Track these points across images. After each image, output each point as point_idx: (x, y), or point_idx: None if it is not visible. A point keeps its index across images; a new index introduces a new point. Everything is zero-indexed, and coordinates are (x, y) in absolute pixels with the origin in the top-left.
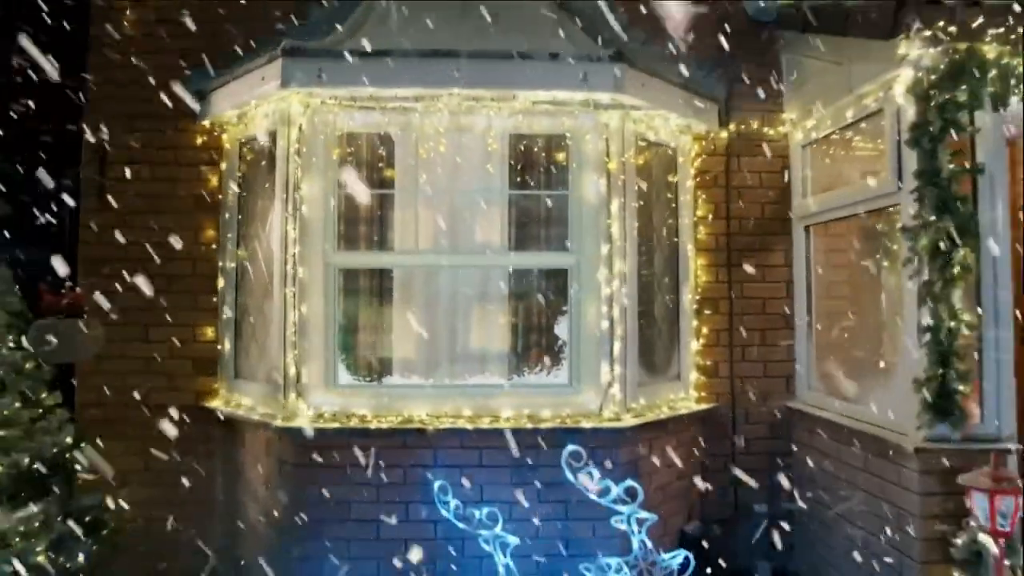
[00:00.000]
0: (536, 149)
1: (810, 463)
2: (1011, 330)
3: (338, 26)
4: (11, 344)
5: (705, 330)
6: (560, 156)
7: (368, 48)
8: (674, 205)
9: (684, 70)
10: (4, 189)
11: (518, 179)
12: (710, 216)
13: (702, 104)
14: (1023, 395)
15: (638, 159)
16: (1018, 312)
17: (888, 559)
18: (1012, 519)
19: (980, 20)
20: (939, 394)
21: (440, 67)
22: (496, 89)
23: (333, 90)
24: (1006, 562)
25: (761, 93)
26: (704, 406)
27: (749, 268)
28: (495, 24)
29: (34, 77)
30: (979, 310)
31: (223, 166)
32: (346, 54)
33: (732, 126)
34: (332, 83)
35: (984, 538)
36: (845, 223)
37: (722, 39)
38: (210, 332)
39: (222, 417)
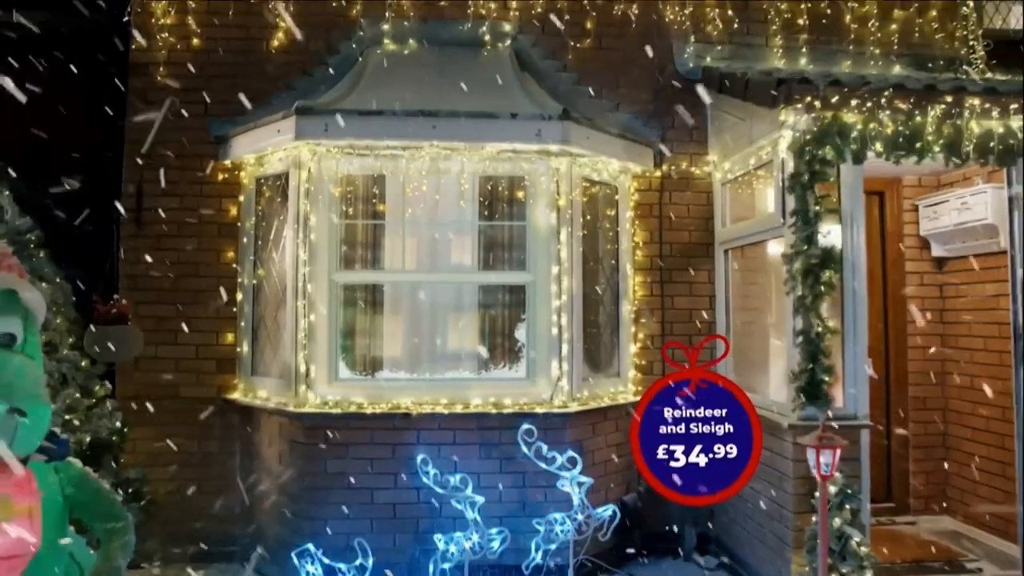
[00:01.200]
0: (500, 188)
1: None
2: (866, 334)
3: (338, 84)
4: (70, 346)
5: (641, 335)
6: (520, 194)
7: (364, 108)
8: (615, 232)
9: (624, 120)
10: (63, 215)
11: (485, 212)
12: (646, 241)
13: (639, 149)
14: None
15: (583, 196)
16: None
17: (774, 513)
18: (832, 466)
19: (838, 97)
20: (809, 383)
21: (421, 124)
22: (467, 142)
23: (336, 141)
24: (849, 505)
25: (690, 139)
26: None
27: (678, 284)
28: (467, 83)
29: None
30: (841, 319)
31: (241, 199)
32: (347, 114)
33: (665, 166)
34: (335, 136)
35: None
36: (753, 248)
37: (659, 93)
38: (230, 337)
39: (241, 406)
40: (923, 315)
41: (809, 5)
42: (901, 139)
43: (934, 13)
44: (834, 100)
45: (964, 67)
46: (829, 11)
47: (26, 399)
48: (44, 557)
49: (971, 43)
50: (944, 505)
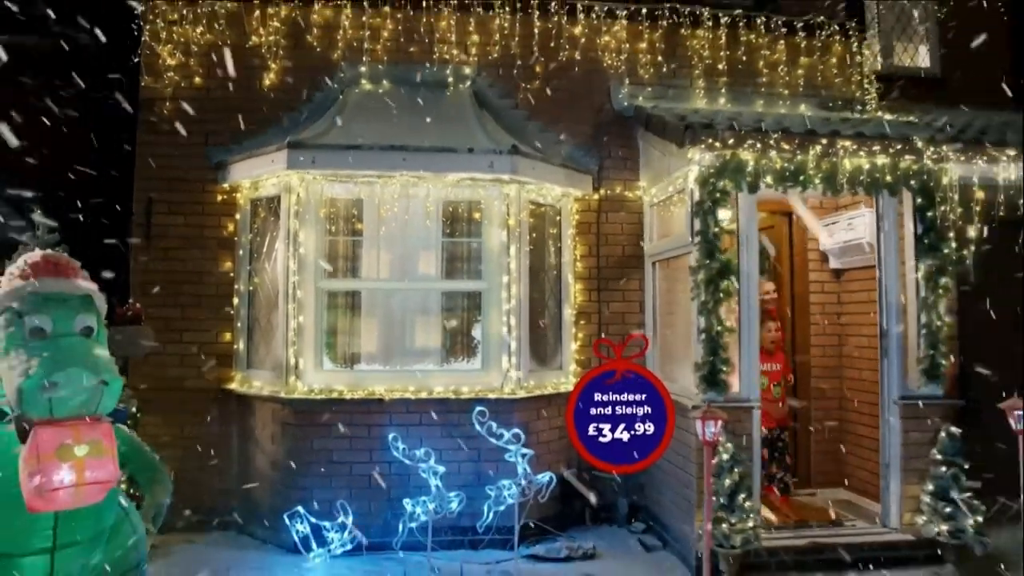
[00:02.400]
0: (460, 210)
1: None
2: (757, 334)
3: (322, 118)
4: None
5: (581, 335)
6: (476, 215)
7: (345, 143)
8: (558, 247)
9: (567, 151)
10: (82, 228)
11: (447, 231)
12: (585, 254)
13: (579, 176)
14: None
15: (531, 217)
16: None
17: (684, 480)
18: (715, 434)
19: (734, 138)
20: (710, 373)
21: (393, 157)
22: (431, 171)
23: (322, 170)
24: (738, 469)
25: (624, 167)
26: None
27: (613, 291)
28: (433, 119)
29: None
30: (738, 321)
31: (238, 217)
32: (331, 148)
33: (603, 190)
34: (321, 166)
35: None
36: (673, 261)
37: (598, 127)
38: (228, 336)
39: (238, 395)
40: (824, 318)
41: (727, 52)
42: (787, 173)
43: (834, 60)
44: (731, 141)
45: (859, 106)
46: (745, 58)
47: (106, 373)
48: (110, 492)
49: (865, 86)
50: (846, 481)
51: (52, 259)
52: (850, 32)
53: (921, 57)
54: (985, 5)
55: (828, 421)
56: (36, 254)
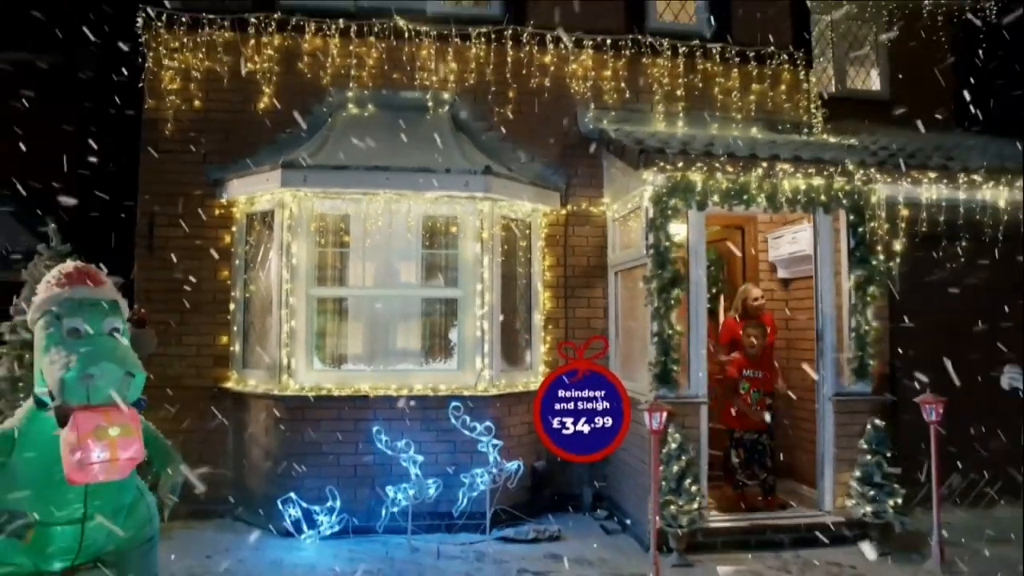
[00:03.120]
0: (438, 225)
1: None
2: (705, 337)
3: (312, 139)
4: None
5: (549, 338)
6: (453, 229)
7: (333, 164)
8: (528, 258)
9: (537, 170)
10: (91, 238)
11: (427, 243)
12: (553, 264)
13: (548, 193)
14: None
15: (503, 231)
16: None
17: (639, 468)
18: (661, 424)
19: (684, 161)
20: (662, 371)
21: (377, 176)
22: (412, 190)
23: (312, 188)
24: (684, 457)
25: (589, 184)
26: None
27: (579, 298)
28: (414, 140)
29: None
30: (687, 325)
31: (234, 229)
32: (321, 168)
33: (570, 206)
34: (312, 184)
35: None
36: (632, 271)
37: (566, 148)
38: (225, 339)
39: (234, 393)
40: (774, 324)
41: (685, 79)
42: (732, 193)
43: (783, 87)
44: (681, 164)
45: (806, 128)
46: (701, 84)
47: (132, 367)
48: (129, 475)
49: (812, 110)
50: (800, 472)
51: (83, 270)
52: (798, 61)
53: (872, 81)
54: (930, 33)
55: (782, 417)
56: (69, 265)
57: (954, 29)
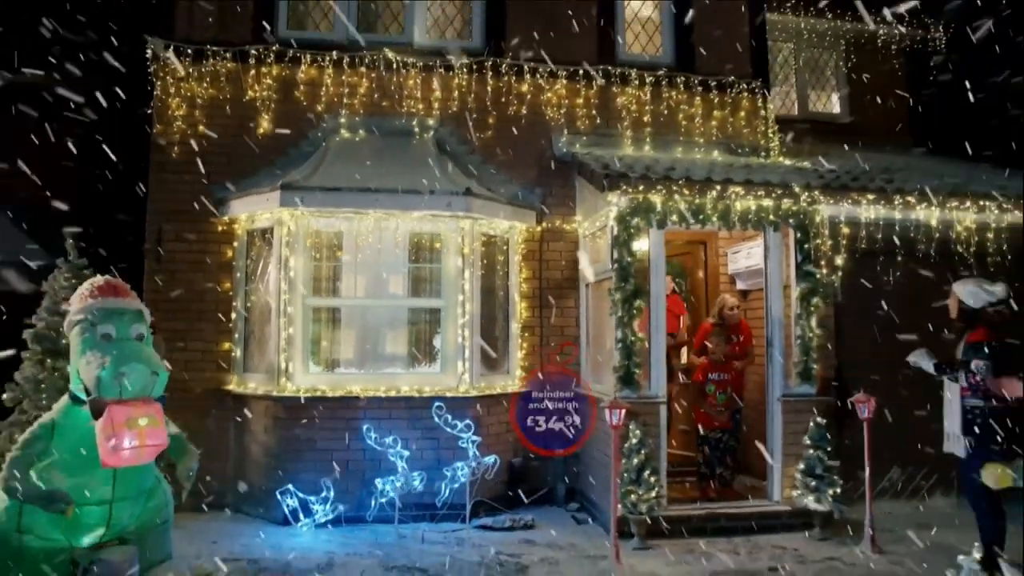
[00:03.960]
0: (423, 241)
1: (584, 421)
2: (664, 343)
3: (307, 162)
4: None
5: (525, 345)
6: (437, 245)
7: (328, 185)
8: (506, 271)
9: (515, 190)
10: (104, 253)
11: (413, 257)
12: (529, 277)
13: (525, 212)
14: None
15: (483, 246)
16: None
17: (604, 462)
18: (620, 421)
19: (644, 184)
20: (625, 374)
21: (367, 197)
22: (399, 209)
23: (309, 208)
24: (644, 450)
25: (563, 204)
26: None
27: (553, 309)
28: (401, 163)
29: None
30: (648, 332)
31: (235, 244)
32: (316, 189)
33: (545, 223)
34: (308, 204)
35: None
36: (601, 283)
37: (541, 170)
38: (227, 345)
39: (236, 394)
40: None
41: (652, 107)
42: (690, 213)
43: (743, 114)
44: (642, 187)
45: (763, 152)
46: (666, 111)
47: (157, 367)
48: (149, 464)
49: (769, 134)
50: (756, 468)
51: (112, 283)
52: (756, 90)
53: (833, 104)
54: (886, 61)
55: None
56: (99, 279)
57: (908, 58)
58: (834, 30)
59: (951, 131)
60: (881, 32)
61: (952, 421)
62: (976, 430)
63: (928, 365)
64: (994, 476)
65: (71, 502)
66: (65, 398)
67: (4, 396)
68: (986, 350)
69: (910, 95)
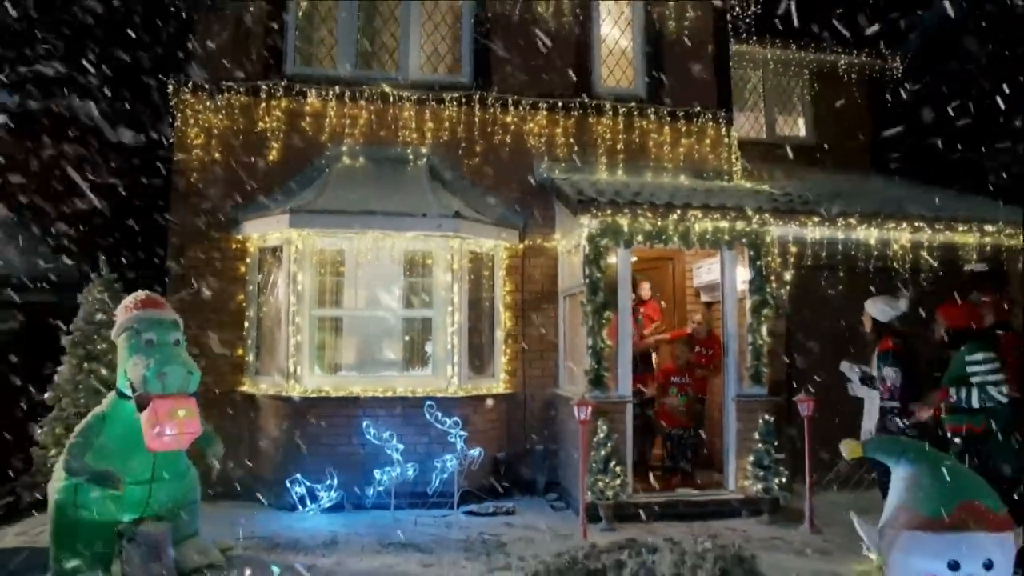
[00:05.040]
0: (417, 258)
1: (561, 420)
2: (630, 349)
3: (312, 186)
4: None
5: (509, 352)
6: (429, 261)
7: (331, 209)
8: (492, 284)
9: (500, 211)
10: (132, 276)
11: (407, 272)
12: (512, 290)
13: (508, 231)
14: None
15: (470, 262)
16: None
17: (576, 458)
18: (586, 416)
19: (611, 208)
20: (595, 377)
21: (366, 219)
22: (395, 230)
23: (315, 228)
24: (610, 443)
25: (543, 224)
26: (508, 391)
27: (534, 318)
28: (397, 188)
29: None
30: (616, 340)
31: (248, 261)
32: (321, 212)
33: (527, 241)
34: (314, 225)
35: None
36: (576, 296)
37: (523, 193)
38: (240, 351)
39: (249, 395)
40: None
41: (625, 135)
42: (653, 234)
43: (708, 141)
44: (610, 211)
45: (726, 176)
46: (638, 139)
47: (192, 367)
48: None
49: (732, 160)
50: (717, 462)
51: (152, 297)
52: (720, 119)
53: (800, 128)
54: (848, 88)
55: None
56: (141, 293)
57: (868, 85)
58: (798, 60)
59: (907, 154)
60: (842, 61)
61: (869, 420)
62: (889, 428)
63: (854, 376)
64: (847, 448)
65: (120, 479)
66: (112, 394)
67: (46, 395)
68: (891, 357)
69: (870, 120)
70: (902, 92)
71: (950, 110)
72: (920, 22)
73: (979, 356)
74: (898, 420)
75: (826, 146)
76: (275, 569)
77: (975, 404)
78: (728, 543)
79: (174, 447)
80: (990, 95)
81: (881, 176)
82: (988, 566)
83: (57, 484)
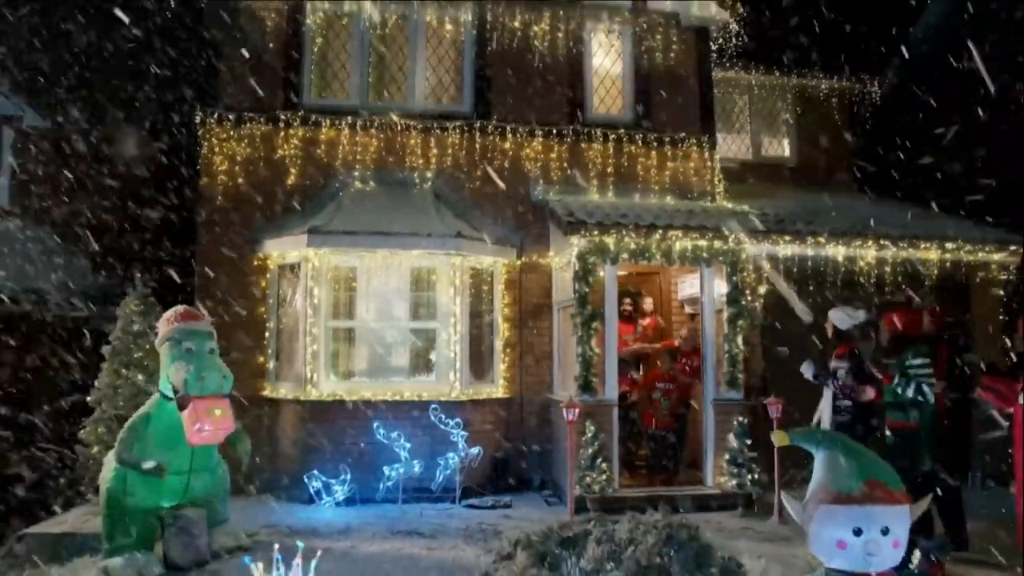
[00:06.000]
0: (422, 274)
1: (554, 422)
2: (616, 357)
3: (326, 208)
4: None
5: (507, 360)
6: (433, 277)
7: (345, 230)
8: (491, 297)
9: (498, 231)
10: (164, 291)
11: (414, 287)
12: (510, 303)
13: (507, 249)
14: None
15: (471, 278)
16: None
17: (567, 456)
18: (574, 417)
19: (598, 230)
20: (584, 382)
21: (376, 239)
22: (403, 249)
23: (330, 248)
24: (597, 442)
25: (538, 242)
26: (506, 395)
27: (530, 329)
28: (404, 210)
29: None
30: (603, 348)
31: (268, 276)
32: (336, 233)
33: (524, 258)
34: (329, 245)
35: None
36: (568, 308)
37: (521, 214)
38: (262, 359)
39: (269, 399)
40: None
41: (614, 159)
42: (637, 252)
43: (692, 164)
44: (597, 232)
45: (709, 197)
46: (627, 163)
47: (226, 373)
48: (214, 446)
49: (715, 182)
50: (699, 462)
51: (190, 311)
52: (703, 143)
53: (784, 149)
54: (829, 111)
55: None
56: (180, 308)
57: (847, 108)
58: (782, 85)
59: (885, 172)
60: (823, 86)
61: (825, 418)
62: (843, 424)
63: (809, 374)
64: (776, 437)
65: (165, 469)
66: (156, 396)
67: (88, 399)
68: (847, 361)
69: (850, 141)
70: (878, 114)
71: (927, 130)
72: (907, 40)
73: (918, 360)
74: (849, 416)
75: (808, 166)
76: (299, 544)
77: (910, 395)
78: (677, 516)
79: (211, 441)
80: (964, 116)
81: (861, 194)
82: (885, 532)
83: (108, 475)
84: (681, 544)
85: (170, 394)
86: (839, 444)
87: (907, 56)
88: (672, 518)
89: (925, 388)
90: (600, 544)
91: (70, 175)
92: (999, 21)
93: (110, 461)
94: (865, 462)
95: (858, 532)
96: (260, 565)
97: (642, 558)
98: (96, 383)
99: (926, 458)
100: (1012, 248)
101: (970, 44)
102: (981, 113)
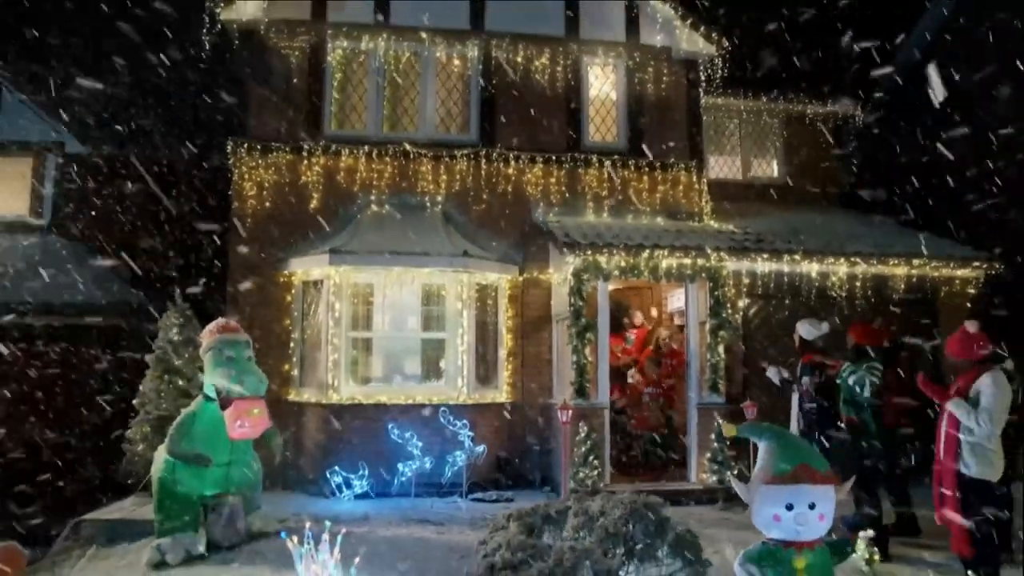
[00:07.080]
0: (432, 289)
1: (553, 424)
2: (608, 364)
3: (346, 229)
4: None
5: (510, 367)
6: (443, 292)
7: (363, 249)
8: (496, 310)
9: (502, 249)
10: (197, 303)
11: (425, 301)
12: (513, 315)
13: (510, 266)
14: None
15: (477, 293)
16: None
17: (556, 451)
18: (568, 418)
19: (591, 249)
20: (579, 387)
21: (391, 258)
22: (415, 267)
23: (350, 266)
24: (590, 441)
25: (539, 260)
26: (509, 400)
27: (531, 339)
28: (416, 231)
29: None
30: (596, 356)
31: (293, 292)
32: (355, 253)
33: (526, 274)
34: (349, 264)
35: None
36: (564, 320)
37: (522, 234)
38: (287, 366)
39: (294, 402)
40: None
41: (609, 183)
42: (627, 269)
43: (681, 187)
44: (589, 251)
45: (697, 218)
46: (621, 186)
47: (262, 377)
48: (249, 441)
49: (703, 203)
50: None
51: (230, 323)
52: (692, 168)
53: (772, 169)
54: (817, 133)
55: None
56: (221, 321)
57: (833, 131)
58: (770, 109)
59: (868, 192)
60: (810, 110)
61: (793, 420)
62: (809, 425)
63: (776, 379)
64: (725, 429)
65: (209, 460)
66: (200, 398)
67: (134, 401)
68: (809, 368)
69: (835, 162)
70: (862, 136)
71: (908, 151)
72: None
73: (876, 364)
74: (814, 416)
75: (796, 186)
76: (327, 523)
77: (860, 388)
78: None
79: (249, 436)
80: (948, 136)
81: (845, 212)
82: (811, 507)
83: (159, 465)
84: (642, 516)
85: (213, 396)
86: (776, 434)
87: (889, 83)
88: (637, 496)
89: (858, 388)
90: (576, 516)
91: (111, 199)
92: (971, 56)
93: (161, 454)
94: (797, 449)
95: (790, 507)
96: (295, 538)
97: (610, 527)
98: (141, 387)
99: (870, 449)
100: (975, 264)
101: (947, 75)
102: (958, 135)
